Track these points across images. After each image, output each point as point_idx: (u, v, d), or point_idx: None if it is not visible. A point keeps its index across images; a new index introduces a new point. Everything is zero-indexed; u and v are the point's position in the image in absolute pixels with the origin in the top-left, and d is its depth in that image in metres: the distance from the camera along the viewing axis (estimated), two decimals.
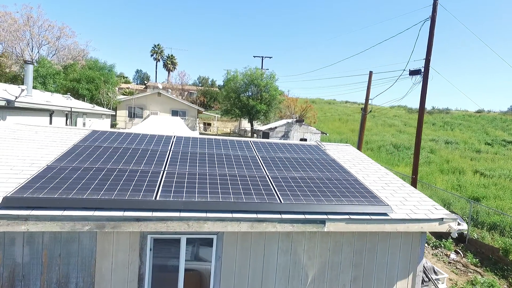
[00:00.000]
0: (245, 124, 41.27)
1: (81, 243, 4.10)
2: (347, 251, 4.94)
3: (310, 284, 4.82)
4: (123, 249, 4.22)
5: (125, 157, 5.38)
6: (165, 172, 4.97)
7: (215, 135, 34.62)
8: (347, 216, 4.51)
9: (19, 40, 26.44)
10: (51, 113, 16.33)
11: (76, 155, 5.21)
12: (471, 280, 8.73)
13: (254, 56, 47.21)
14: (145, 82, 75.44)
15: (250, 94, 34.64)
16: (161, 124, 21.26)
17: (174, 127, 21.13)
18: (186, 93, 63.38)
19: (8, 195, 3.74)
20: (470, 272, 9.37)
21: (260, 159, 6.13)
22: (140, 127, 20.70)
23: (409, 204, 5.20)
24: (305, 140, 22.58)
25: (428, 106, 63.91)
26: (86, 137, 6.16)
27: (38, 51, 28.10)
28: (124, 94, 41.28)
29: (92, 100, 28.50)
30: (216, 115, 40.23)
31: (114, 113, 28.67)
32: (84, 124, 21.30)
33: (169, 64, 79.73)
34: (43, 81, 26.48)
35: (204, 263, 4.49)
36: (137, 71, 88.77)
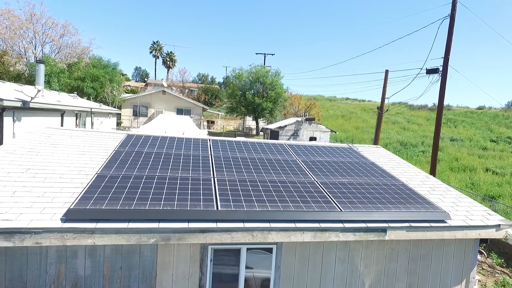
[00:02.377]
0: (249, 122, 41.13)
1: (142, 255, 3.99)
2: (402, 258, 4.86)
3: None
4: (183, 261, 4.11)
5: (170, 164, 5.25)
6: (215, 179, 4.86)
7: (221, 133, 34.49)
8: (407, 224, 4.43)
9: (22, 38, 26.05)
10: (62, 113, 16.12)
11: (121, 162, 5.07)
12: (500, 282, 8.71)
13: (257, 53, 46.78)
14: (145, 79, 74.92)
15: (255, 91, 34.50)
16: (170, 123, 21.09)
17: (184, 126, 20.97)
18: (186, 90, 63.04)
19: (71, 208, 3.61)
20: (497, 273, 9.36)
21: (303, 163, 6.03)
22: (149, 126, 20.53)
23: (461, 210, 5.13)
24: (315, 138, 22.54)
25: (429, 103, 64.02)
26: (123, 142, 6.02)
27: (42, 49, 27.73)
28: (126, 92, 40.95)
29: (96, 99, 28.22)
30: (220, 113, 40.05)
31: (120, 112, 28.43)
32: (92, 123, 21.07)
33: (168, 61, 79.23)
34: (47, 80, 26.14)
35: (263, 271, 4.40)
36: (136, 68, 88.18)
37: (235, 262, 4.27)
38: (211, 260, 4.17)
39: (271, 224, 4.01)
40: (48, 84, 26.09)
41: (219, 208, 3.99)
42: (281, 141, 7.60)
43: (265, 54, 46.65)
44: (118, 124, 31.42)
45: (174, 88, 39.11)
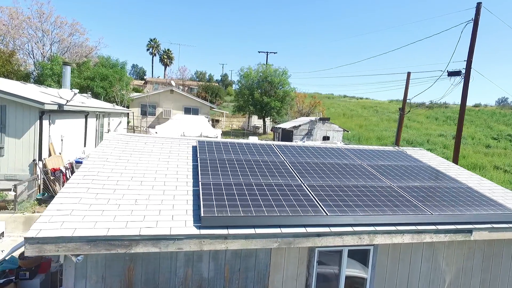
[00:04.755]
0: (255, 120, 41.40)
1: (258, 258, 4.29)
2: (478, 256, 5.26)
3: (447, 287, 5.14)
4: (293, 262, 4.43)
5: (256, 170, 5.55)
6: (305, 185, 5.17)
7: (230, 132, 34.71)
8: (489, 225, 4.82)
9: (31, 37, 25.83)
10: (86, 115, 16.20)
11: (213, 170, 5.35)
12: None
13: (259, 52, 47.13)
14: (144, 77, 74.40)
15: (263, 90, 34.77)
16: (187, 123, 21.28)
17: (201, 127, 21.20)
18: (186, 88, 62.87)
19: (204, 215, 3.90)
20: None
21: (371, 168, 6.38)
22: (167, 127, 20.69)
23: None
24: (328, 138, 22.96)
25: (426, 100, 64.97)
26: (200, 149, 6.28)
27: (50, 48, 27.52)
28: (136, 91, 40.82)
29: (106, 99, 28.18)
30: (225, 112, 40.24)
31: (129, 112, 28.42)
32: (109, 124, 21.13)
33: (166, 58, 78.81)
34: (57, 80, 26.04)
35: (360, 271, 4.74)
36: (133, 66, 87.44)
37: (336, 262, 4.61)
38: (317, 262, 4.50)
39: (376, 227, 4.35)
40: (58, 84, 25.98)
41: (328, 214, 4.32)
42: (341, 145, 7.94)
43: (267, 52, 46.87)
44: (127, 123, 31.40)
45: (180, 87, 39.09)
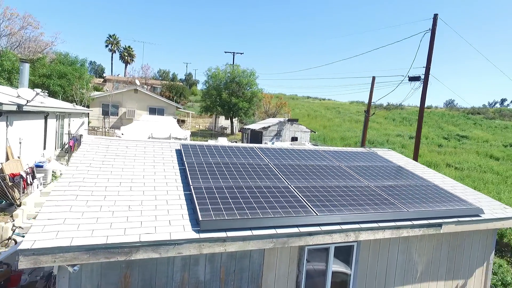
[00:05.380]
0: (222, 121, 41.25)
1: (252, 258, 4.44)
2: (444, 247, 5.82)
3: (420, 277, 5.63)
4: (285, 261, 4.63)
5: (243, 173, 5.68)
6: (292, 186, 5.40)
7: (198, 132, 34.25)
8: (456, 219, 5.36)
9: None
10: (46, 115, 15.25)
11: (201, 173, 5.40)
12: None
13: (226, 52, 46.62)
14: (103, 75, 70.94)
15: (231, 91, 34.78)
16: (155, 124, 20.78)
17: (170, 128, 20.81)
18: (149, 87, 60.98)
19: (202, 220, 3.97)
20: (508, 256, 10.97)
21: (349, 169, 6.76)
22: (134, 128, 20.06)
23: (485, 205, 6.21)
24: (296, 138, 23.56)
25: (384, 102, 68.72)
26: (185, 152, 6.27)
27: None
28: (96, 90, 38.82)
29: (64, 98, 26.60)
30: (190, 112, 39.64)
31: (90, 112, 27.09)
32: (69, 124, 20.01)
33: (126, 56, 75.83)
34: (7, 77, 24.13)
35: (345, 266, 5.06)
36: (91, 63, 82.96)
37: (323, 259, 4.88)
38: (306, 260, 4.73)
39: (361, 225, 4.68)
40: (9, 81, 24.10)
41: (318, 214, 4.57)
42: (322, 147, 8.27)
43: (234, 53, 46.78)
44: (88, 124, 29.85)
45: (145, 86, 37.87)
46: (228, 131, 38.66)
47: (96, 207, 4.09)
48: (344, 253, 5.07)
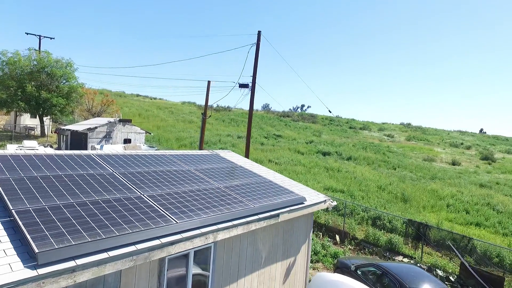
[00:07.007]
0: (27, 120, 33.44)
1: (106, 282, 3.89)
2: (280, 233, 6.87)
3: (264, 262, 6.43)
4: (144, 277, 4.30)
5: (85, 186, 4.88)
6: (145, 196, 5.07)
7: None
8: (288, 209, 6.43)
9: None
10: None
11: (25, 193, 4.29)
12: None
13: (27, 33, 36.54)
14: None
15: (39, 83, 28.68)
16: None
17: None
18: None
19: (40, 251, 3.18)
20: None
21: (199, 172, 6.91)
22: None
23: (305, 194, 7.72)
24: (130, 140, 21.79)
25: (215, 104, 73.46)
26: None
27: None
28: None
29: None
30: None
31: None
32: None
33: None
34: None
35: (202, 267, 5.18)
36: None
37: (183, 265, 4.83)
38: (167, 270, 4.56)
39: (218, 226, 4.91)
40: None
41: (177, 221, 4.49)
42: (168, 151, 7.97)
43: (40, 36, 38.21)
44: None
45: None
46: (37, 132, 31.82)
47: None
48: (201, 255, 5.18)
